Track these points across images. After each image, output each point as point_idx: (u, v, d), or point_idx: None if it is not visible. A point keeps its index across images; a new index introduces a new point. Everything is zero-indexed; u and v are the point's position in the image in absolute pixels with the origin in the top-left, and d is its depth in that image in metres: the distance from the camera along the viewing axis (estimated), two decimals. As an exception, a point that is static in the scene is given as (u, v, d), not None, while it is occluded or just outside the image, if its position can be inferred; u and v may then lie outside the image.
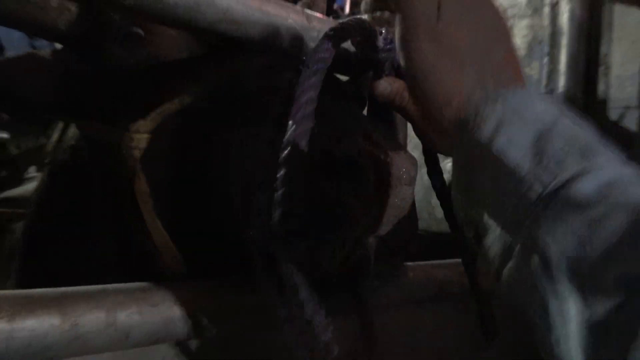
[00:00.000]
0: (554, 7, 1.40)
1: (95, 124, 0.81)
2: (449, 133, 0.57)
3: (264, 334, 0.74)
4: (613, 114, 1.31)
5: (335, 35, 0.59)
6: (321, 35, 0.69)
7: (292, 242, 0.55)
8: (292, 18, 0.69)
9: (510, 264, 0.48)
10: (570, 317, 0.42)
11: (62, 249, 0.87)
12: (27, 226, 0.95)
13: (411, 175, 0.55)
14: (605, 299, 0.40)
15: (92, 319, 0.54)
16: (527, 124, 0.49)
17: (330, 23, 0.73)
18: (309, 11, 0.72)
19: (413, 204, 0.71)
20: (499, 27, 0.59)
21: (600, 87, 1.34)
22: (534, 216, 0.46)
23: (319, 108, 0.55)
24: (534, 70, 1.44)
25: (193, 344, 0.67)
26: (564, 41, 1.35)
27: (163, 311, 0.59)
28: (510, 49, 0.58)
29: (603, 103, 1.33)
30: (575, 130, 0.48)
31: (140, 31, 0.72)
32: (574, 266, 0.42)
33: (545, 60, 1.41)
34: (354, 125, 0.59)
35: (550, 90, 1.38)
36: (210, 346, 0.68)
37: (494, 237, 0.50)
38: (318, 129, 0.56)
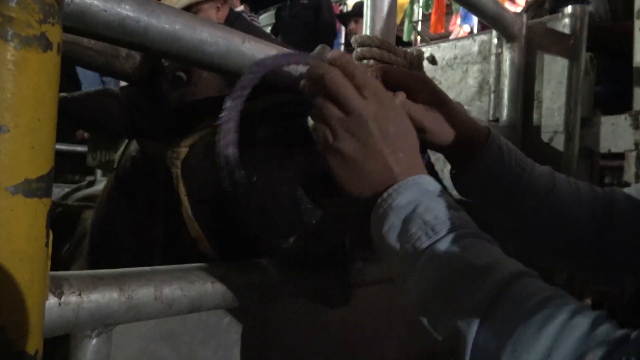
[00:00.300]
0: (499, 56, 1.39)
1: (150, 142, 0.82)
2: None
3: (279, 304, 0.73)
4: (545, 137, 1.30)
5: (256, 71, 0.57)
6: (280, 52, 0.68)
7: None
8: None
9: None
10: None
11: (121, 236, 0.86)
12: (96, 218, 0.94)
13: None
14: None
15: (143, 293, 0.53)
16: (397, 213, 0.53)
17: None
18: (312, 57, 0.70)
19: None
20: (374, 138, 0.56)
21: (535, 117, 1.33)
22: (405, 281, 0.52)
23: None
24: (484, 103, 1.44)
25: (222, 312, 0.66)
26: (506, 81, 1.34)
27: (199, 287, 0.58)
28: (386, 152, 0.56)
29: (537, 128, 1.32)
30: (426, 212, 0.52)
31: (183, 74, 0.73)
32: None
33: (492, 96, 1.40)
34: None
35: (496, 119, 1.37)
36: (235, 314, 0.67)
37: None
38: (295, 154, 0.55)
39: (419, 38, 6.42)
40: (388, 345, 0.95)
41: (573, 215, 0.72)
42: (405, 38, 6.37)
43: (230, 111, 0.55)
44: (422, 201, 0.53)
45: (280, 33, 4.58)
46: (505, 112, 1.33)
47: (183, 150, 0.73)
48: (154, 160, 0.79)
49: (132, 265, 0.60)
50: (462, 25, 6.21)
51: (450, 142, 0.72)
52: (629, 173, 1.18)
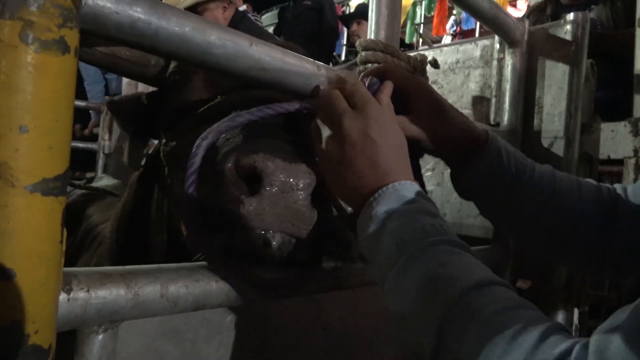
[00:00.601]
0: (500, 61, 1.40)
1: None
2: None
3: (280, 303, 0.74)
4: (545, 142, 1.31)
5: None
6: (326, 79, 0.70)
7: None
8: (305, 66, 0.69)
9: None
10: None
11: (149, 231, 0.88)
12: (122, 214, 0.96)
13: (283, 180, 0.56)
14: None
15: (149, 290, 0.54)
16: (375, 223, 0.56)
17: (333, 71, 0.74)
18: (318, 62, 0.71)
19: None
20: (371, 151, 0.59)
21: (536, 122, 1.34)
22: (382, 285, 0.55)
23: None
24: (485, 107, 1.45)
25: (225, 310, 0.66)
26: (508, 86, 1.35)
27: (203, 285, 0.59)
28: (363, 160, 0.59)
29: (538, 134, 1.33)
30: (401, 223, 0.55)
31: (178, 77, 0.81)
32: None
33: (494, 100, 1.41)
34: (262, 148, 0.58)
35: (497, 123, 1.37)
36: (238, 312, 0.68)
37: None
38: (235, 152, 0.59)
39: (420, 40, 6.43)
40: (387, 345, 0.96)
41: (575, 214, 0.72)
42: (407, 40, 6.38)
43: (195, 154, 0.60)
44: (397, 210, 0.55)
45: (282, 34, 4.58)
46: (506, 117, 1.34)
47: (170, 145, 0.76)
48: (157, 157, 0.82)
49: (163, 260, 0.62)
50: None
51: (446, 147, 0.73)
52: (628, 179, 1.19)
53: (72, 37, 0.34)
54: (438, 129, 0.71)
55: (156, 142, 0.91)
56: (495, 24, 1.26)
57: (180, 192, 0.67)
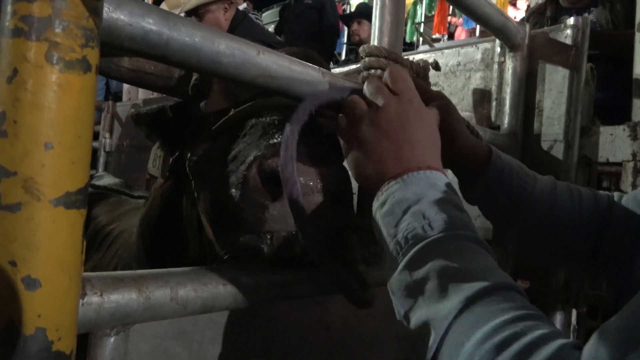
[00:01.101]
0: (501, 64, 1.41)
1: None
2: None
3: (286, 302, 0.75)
4: (545, 145, 1.32)
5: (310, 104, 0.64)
6: (330, 86, 0.71)
7: None
8: (310, 74, 0.70)
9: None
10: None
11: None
12: (148, 216, 0.98)
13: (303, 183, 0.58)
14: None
15: (160, 294, 0.55)
16: (400, 202, 0.55)
17: (337, 77, 0.75)
18: (323, 69, 0.73)
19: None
20: (406, 131, 0.61)
21: (536, 125, 1.35)
22: (394, 269, 0.54)
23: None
24: (486, 110, 1.46)
25: (231, 312, 0.68)
26: (508, 90, 1.36)
27: (211, 288, 0.60)
28: (402, 142, 0.60)
29: (537, 137, 1.34)
30: (430, 208, 0.54)
31: (202, 88, 0.82)
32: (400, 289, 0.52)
33: (494, 103, 1.42)
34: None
35: (497, 126, 1.39)
36: (243, 314, 0.70)
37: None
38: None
39: (421, 39, 6.44)
40: (387, 345, 0.97)
41: (574, 226, 0.74)
42: (407, 39, 6.39)
43: (290, 134, 0.61)
44: (426, 195, 0.55)
45: (283, 33, 4.59)
46: (506, 120, 1.35)
47: (196, 154, 0.77)
48: (183, 165, 0.84)
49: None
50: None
51: (451, 164, 0.74)
52: (626, 182, 1.21)
53: (93, 56, 0.35)
54: (447, 149, 0.72)
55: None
56: (496, 28, 1.27)
57: (207, 207, 0.69)
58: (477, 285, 0.47)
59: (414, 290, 0.50)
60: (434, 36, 6.57)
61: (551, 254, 0.79)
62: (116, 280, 0.53)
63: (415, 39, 6.52)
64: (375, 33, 0.91)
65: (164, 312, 0.56)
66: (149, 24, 0.52)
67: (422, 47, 5.53)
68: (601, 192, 0.78)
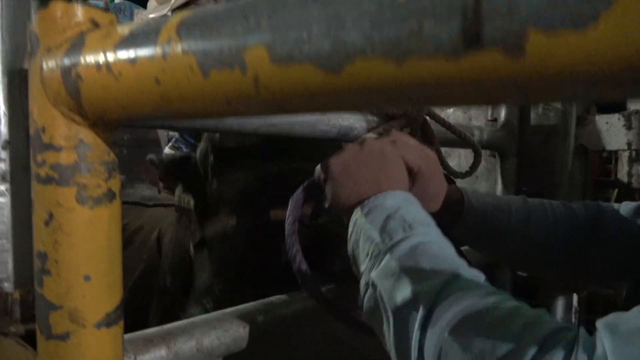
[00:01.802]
0: (496, 55, 1.41)
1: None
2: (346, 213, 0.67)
3: (302, 335, 0.80)
4: (541, 136, 1.35)
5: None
6: (327, 126, 0.75)
7: None
8: (307, 116, 0.73)
9: (368, 294, 0.57)
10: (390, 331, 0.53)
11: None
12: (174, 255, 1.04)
13: None
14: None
15: (186, 347, 0.60)
16: (381, 211, 0.61)
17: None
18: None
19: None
20: (379, 163, 0.67)
21: (532, 116, 1.37)
22: (376, 266, 0.57)
23: None
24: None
25: (252, 350, 0.73)
26: (504, 80, 1.37)
27: (232, 333, 0.65)
28: (385, 172, 0.66)
29: (534, 128, 1.36)
30: (407, 214, 0.59)
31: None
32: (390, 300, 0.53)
33: (490, 95, 1.43)
34: None
35: (494, 119, 1.41)
36: (263, 348, 0.75)
37: (363, 276, 0.60)
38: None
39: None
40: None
41: (550, 243, 0.79)
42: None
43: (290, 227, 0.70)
44: (403, 205, 0.62)
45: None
46: (503, 112, 1.37)
47: (214, 189, 0.82)
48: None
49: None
50: None
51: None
52: (622, 172, 1.24)
53: (116, 184, 0.38)
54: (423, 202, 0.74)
55: None
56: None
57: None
58: (455, 272, 0.52)
59: (398, 278, 0.54)
60: None
61: (537, 267, 0.88)
62: (146, 341, 0.57)
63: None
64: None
65: (192, 362, 0.61)
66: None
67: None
68: (587, 202, 0.82)
